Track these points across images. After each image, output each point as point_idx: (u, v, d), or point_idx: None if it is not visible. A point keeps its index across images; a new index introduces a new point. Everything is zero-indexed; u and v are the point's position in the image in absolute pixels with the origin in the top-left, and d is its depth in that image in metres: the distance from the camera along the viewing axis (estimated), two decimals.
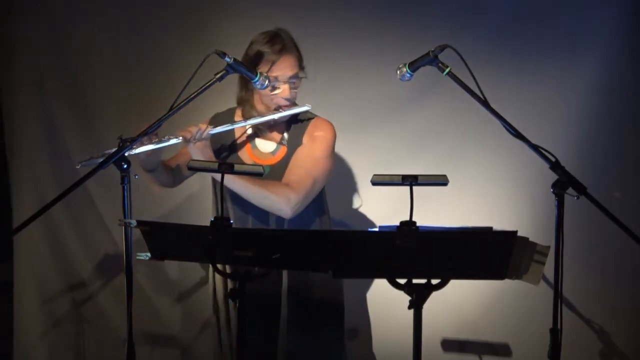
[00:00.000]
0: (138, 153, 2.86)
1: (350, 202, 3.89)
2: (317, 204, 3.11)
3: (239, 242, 2.50)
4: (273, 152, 3.10)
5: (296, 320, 3.07)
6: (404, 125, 3.82)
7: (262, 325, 3.06)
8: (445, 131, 3.81)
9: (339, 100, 3.79)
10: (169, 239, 2.64)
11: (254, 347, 2.92)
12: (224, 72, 2.77)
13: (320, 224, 3.14)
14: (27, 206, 3.89)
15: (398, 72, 2.81)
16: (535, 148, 2.67)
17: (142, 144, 2.85)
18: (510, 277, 2.54)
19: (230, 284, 3.08)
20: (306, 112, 3.07)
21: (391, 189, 2.43)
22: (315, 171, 3.02)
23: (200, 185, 3.76)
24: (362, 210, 3.88)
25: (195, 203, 3.85)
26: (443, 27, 3.71)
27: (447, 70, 2.73)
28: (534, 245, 2.57)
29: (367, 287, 3.87)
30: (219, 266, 2.57)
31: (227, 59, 2.75)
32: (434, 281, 2.42)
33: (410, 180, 2.36)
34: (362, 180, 3.88)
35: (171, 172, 3.15)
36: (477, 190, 3.79)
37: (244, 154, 3.12)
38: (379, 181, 2.42)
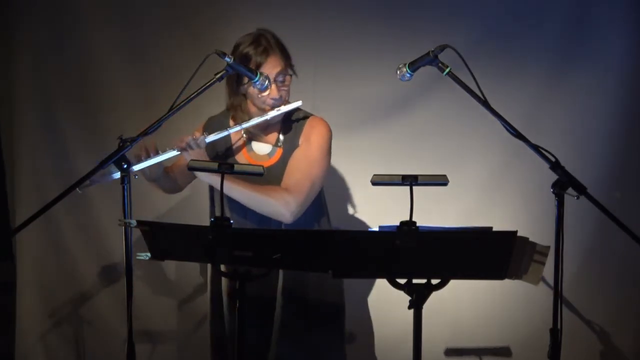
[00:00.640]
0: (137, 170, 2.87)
1: (350, 202, 3.89)
2: (317, 205, 3.10)
3: (239, 242, 2.50)
4: (269, 154, 3.09)
5: (290, 321, 3.04)
6: (404, 125, 3.82)
7: (256, 324, 3.03)
8: (445, 131, 3.80)
9: (339, 100, 3.78)
10: (169, 239, 2.63)
11: (248, 347, 2.90)
12: (224, 72, 2.77)
13: (320, 225, 3.12)
14: (27, 206, 3.89)
15: (398, 72, 2.81)
16: (535, 148, 2.67)
17: (140, 161, 2.87)
18: (510, 277, 2.53)
19: (226, 283, 3.08)
20: (301, 111, 3.06)
21: (391, 189, 2.43)
22: (313, 173, 3.01)
23: (201, 186, 3.75)
24: (361, 210, 3.87)
25: (196, 203, 3.84)
26: (443, 27, 3.70)
27: (447, 70, 2.73)
28: (534, 245, 2.56)
29: (369, 290, 3.86)
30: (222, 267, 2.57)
31: (227, 59, 2.75)
32: (434, 281, 2.42)
33: (410, 180, 2.37)
34: (362, 180, 3.87)
35: (175, 178, 3.18)
36: (477, 190, 3.79)
37: (241, 157, 3.11)
38: (379, 181, 2.42)
